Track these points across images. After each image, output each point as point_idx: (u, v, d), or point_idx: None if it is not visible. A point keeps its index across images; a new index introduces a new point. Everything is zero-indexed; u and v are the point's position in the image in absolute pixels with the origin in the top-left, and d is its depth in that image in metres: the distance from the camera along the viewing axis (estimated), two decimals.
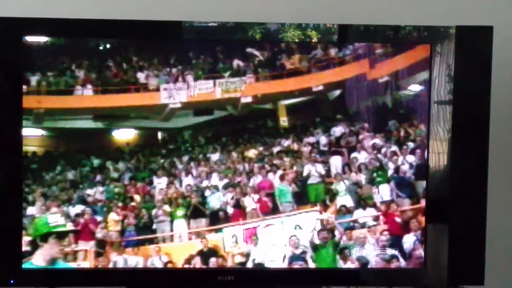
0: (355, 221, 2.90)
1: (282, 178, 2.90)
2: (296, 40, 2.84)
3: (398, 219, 2.89)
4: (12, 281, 2.83)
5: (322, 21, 2.87)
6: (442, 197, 2.88)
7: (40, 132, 2.82)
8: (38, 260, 2.82)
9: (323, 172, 2.89)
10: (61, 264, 2.84)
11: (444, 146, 2.86)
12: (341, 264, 2.89)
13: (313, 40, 2.85)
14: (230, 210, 2.89)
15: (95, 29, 2.81)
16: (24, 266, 2.82)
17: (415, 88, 2.87)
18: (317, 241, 2.89)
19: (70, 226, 2.85)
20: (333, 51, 2.86)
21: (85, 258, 2.85)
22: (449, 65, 2.85)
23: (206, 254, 2.88)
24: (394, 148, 2.89)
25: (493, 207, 2.96)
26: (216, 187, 2.89)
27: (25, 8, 2.98)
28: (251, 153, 2.89)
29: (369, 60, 2.88)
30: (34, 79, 2.80)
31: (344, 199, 2.90)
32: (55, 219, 2.83)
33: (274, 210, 2.89)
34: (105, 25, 2.82)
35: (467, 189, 2.87)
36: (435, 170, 2.87)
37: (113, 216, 2.86)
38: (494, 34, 2.83)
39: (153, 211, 2.87)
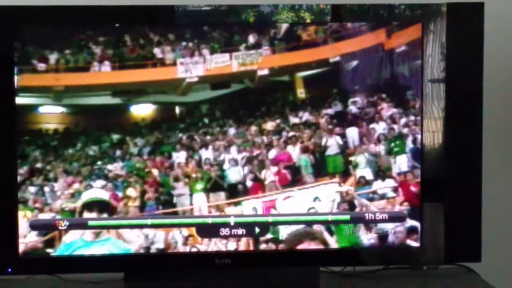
0: (374, 192, 2.89)
1: (301, 150, 2.89)
2: (290, 22, 2.82)
3: (415, 189, 2.87)
4: (9, 270, 2.83)
5: (315, 2, 2.85)
6: (437, 174, 2.85)
7: (60, 109, 2.85)
8: (87, 235, 2.86)
9: (341, 143, 2.88)
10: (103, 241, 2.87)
11: (439, 124, 2.84)
12: (361, 237, 2.88)
13: (307, 21, 2.82)
14: (249, 183, 2.89)
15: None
16: (74, 244, 2.85)
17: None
18: None
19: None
20: (349, 22, 2.84)
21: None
22: (443, 43, 2.82)
23: None
24: (412, 118, 2.87)
25: (489, 182, 2.94)
26: (235, 160, 2.89)
27: None
28: (269, 125, 2.89)
29: (387, 30, 2.84)
30: (53, 57, 2.83)
31: (363, 171, 2.88)
32: (94, 192, 2.87)
33: (293, 182, 2.89)
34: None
35: (463, 165, 2.85)
36: (430, 148, 2.85)
37: (133, 191, 2.89)
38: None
39: (173, 185, 2.89)
